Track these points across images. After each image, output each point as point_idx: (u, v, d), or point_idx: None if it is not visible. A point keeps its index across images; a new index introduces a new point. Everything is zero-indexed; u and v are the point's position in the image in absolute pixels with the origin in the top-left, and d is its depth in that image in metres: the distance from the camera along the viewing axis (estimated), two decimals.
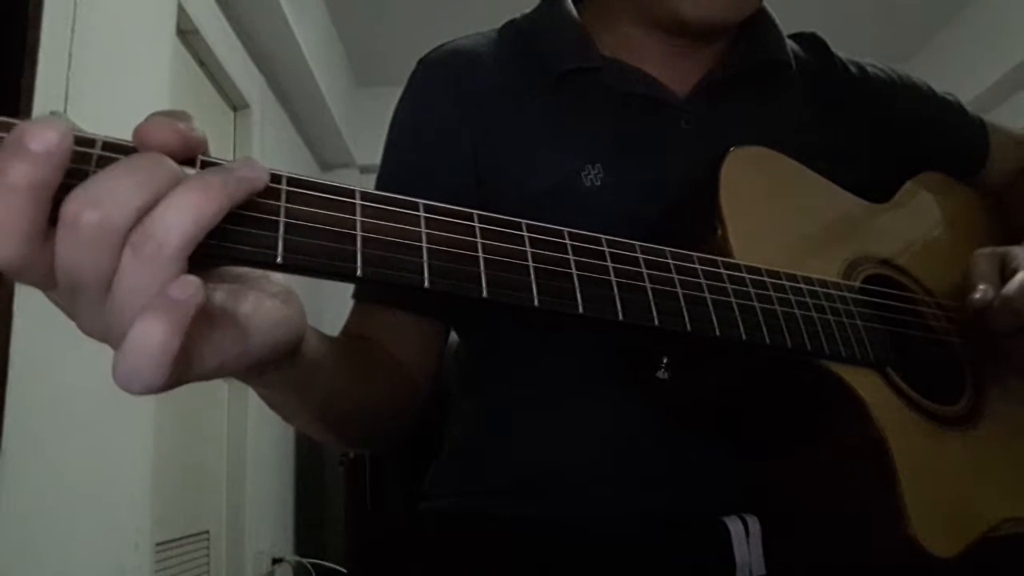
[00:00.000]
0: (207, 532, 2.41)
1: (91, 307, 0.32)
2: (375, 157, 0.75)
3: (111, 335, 0.32)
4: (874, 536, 0.55)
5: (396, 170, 0.72)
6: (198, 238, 0.31)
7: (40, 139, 0.29)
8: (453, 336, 0.75)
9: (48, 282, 0.32)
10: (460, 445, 0.72)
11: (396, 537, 0.73)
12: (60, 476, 1.45)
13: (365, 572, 0.75)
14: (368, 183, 0.70)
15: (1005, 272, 0.63)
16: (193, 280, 0.31)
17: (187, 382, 0.34)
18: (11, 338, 1.25)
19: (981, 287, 0.61)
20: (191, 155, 0.34)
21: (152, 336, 0.30)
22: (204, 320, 0.33)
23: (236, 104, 2.74)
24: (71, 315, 0.34)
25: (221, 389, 2.51)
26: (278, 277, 0.39)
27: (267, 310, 0.37)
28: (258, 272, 0.38)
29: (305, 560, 2.92)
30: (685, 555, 0.61)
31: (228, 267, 0.37)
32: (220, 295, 0.35)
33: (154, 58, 1.93)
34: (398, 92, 0.75)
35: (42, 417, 1.39)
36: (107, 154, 0.32)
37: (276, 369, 0.41)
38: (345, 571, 2.53)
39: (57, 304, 0.34)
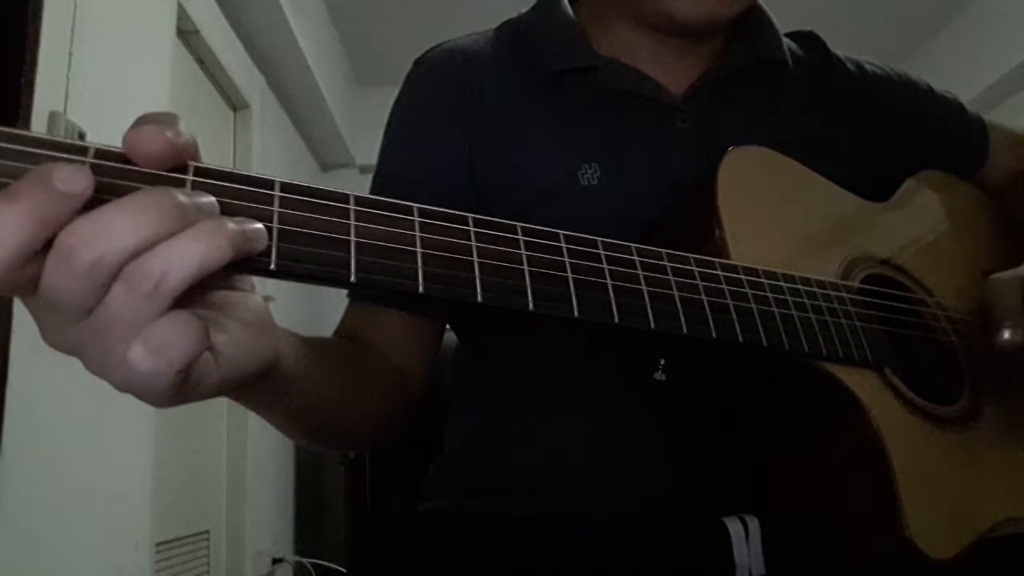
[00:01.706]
0: (207, 532, 2.41)
1: (62, 324, 0.32)
2: (375, 157, 0.75)
3: (85, 352, 0.33)
4: (872, 537, 0.55)
5: (392, 171, 0.72)
6: (200, 278, 0.31)
7: (67, 181, 0.29)
8: (452, 337, 0.75)
9: (25, 293, 0.32)
10: (459, 446, 0.72)
11: (396, 537, 0.73)
12: (60, 476, 1.45)
13: (365, 572, 0.75)
14: (368, 183, 0.70)
15: None
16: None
17: (168, 405, 0.34)
18: (11, 338, 1.25)
19: (1009, 324, 0.59)
20: (181, 162, 0.34)
21: (188, 331, 0.31)
22: None
23: (236, 104, 2.73)
24: (39, 324, 0.34)
25: None
26: (255, 303, 0.39)
27: (240, 342, 0.37)
28: (237, 296, 0.38)
29: (305, 560, 2.92)
30: (685, 556, 0.60)
31: (208, 291, 0.37)
32: None
33: (154, 58, 1.93)
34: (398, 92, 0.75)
35: (42, 417, 1.39)
36: (100, 162, 0.32)
37: (243, 390, 0.41)
38: (345, 571, 2.53)
39: (32, 311, 0.34)
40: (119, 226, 0.30)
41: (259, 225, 0.34)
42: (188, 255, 0.31)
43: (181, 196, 0.32)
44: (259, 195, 0.35)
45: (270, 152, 2.94)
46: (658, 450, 0.62)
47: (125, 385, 0.33)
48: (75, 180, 0.30)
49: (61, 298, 0.31)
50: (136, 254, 0.30)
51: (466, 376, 0.75)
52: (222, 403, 2.56)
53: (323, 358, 0.53)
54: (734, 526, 0.60)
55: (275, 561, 2.77)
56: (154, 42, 1.95)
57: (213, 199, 0.34)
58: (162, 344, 0.31)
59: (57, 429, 1.44)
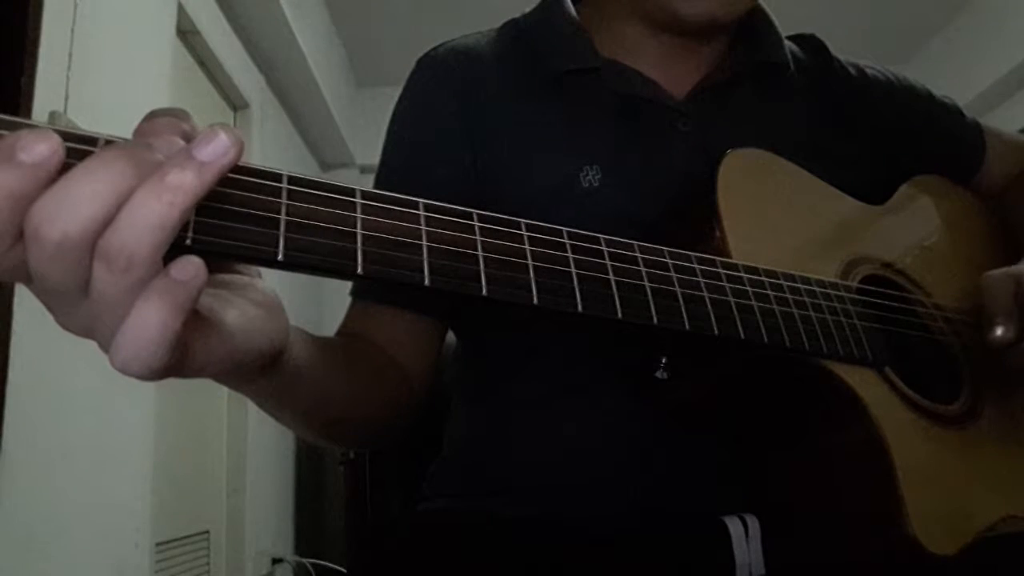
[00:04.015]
0: (207, 532, 2.41)
1: (68, 306, 0.32)
2: (375, 157, 0.75)
3: (95, 332, 0.33)
4: (873, 535, 0.55)
5: (395, 168, 0.72)
6: (171, 238, 0.31)
7: (31, 151, 0.28)
8: (452, 337, 0.75)
9: (24, 277, 0.32)
10: (460, 446, 0.72)
11: (396, 537, 0.73)
12: (60, 476, 1.45)
13: (365, 572, 0.75)
14: (368, 183, 0.70)
15: (1021, 297, 0.61)
16: (195, 261, 0.30)
17: (176, 376, 0.34)
18: (11, 338, 1.25)
19: (1000, 320, 0.60)
20: None
21: (153, 317, 0.30)
22: (195, 316, 0.34)
23: (236, 104, 2.74)
24: (49, 310, 0.34)
25: (221, 389, 2.51)
26: (264, 287, 0.39)
27: (252, 318, 0.37)
28: (245, 280, 0.38)
29: (305, 560, 2.92)
30: (685, 555, 0.61)
31: (215, 273, 0.37)
32: (207, 299, 0.35)
33: (154, 58, 1.93)
34: (398, 92, 0.75)
35: (42, 417, 1.39)
36: None
37: (256, 377, 0.41)
38: (345, 571, 2.53)
39: (37, 296, 0.33)
40: (77, 196, 0.29)
41: (216, 133, 0.31)
42: (150, 217, 0.30)
43: (136, 148, 0.31)
44: (267, 187, 0.35)
45: (270, 152, 2.94)
46: (659, 449, 0.62)
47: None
48: (37, 148, 0.28)
49: (47, 281, 0.31)
50: (103, 222, 0.30)
51: (466, 376, 0.75)
52: (222, 403, 2.57)
53: (330, 354, 0.53)
54: (734, 525, 0.60)
55: (275, 561, 2.77)
56: (154, 42, 1.95)
57: (161, 157, 0.32)
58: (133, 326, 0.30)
59: (57, 429, 1.44)
